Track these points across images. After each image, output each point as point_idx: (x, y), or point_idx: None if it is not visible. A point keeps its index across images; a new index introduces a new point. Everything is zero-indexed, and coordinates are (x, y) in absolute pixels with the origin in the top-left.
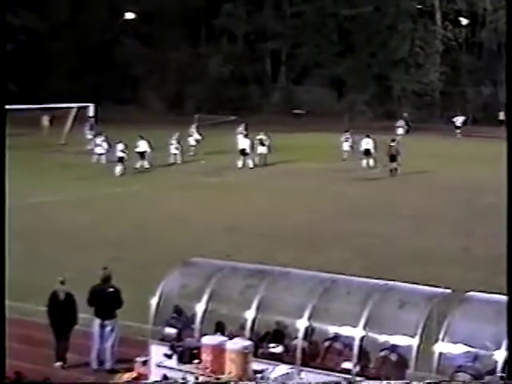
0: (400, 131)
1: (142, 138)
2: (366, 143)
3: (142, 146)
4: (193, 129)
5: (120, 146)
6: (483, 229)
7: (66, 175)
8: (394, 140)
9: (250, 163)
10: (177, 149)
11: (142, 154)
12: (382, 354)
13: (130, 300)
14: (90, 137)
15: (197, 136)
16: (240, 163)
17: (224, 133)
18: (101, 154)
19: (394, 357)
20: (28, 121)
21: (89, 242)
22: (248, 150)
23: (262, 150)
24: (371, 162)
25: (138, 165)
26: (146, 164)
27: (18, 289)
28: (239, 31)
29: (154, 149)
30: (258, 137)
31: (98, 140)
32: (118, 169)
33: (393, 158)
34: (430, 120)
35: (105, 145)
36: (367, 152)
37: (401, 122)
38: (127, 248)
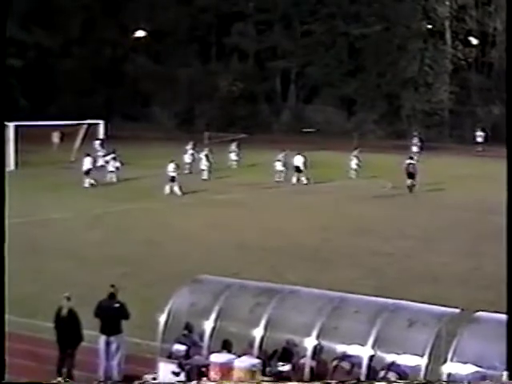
0: (415, 149)
1: (89, 155)
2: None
3: (87, 163)
4: (188, 146)
5: (171, 166)
6: (494, 248)
7: (75, 192)
8: (412, 158)
9: (304, 180)
10: (205, 165)
11: (87, 172)
12: (382, 373)
13: (138, 317)
14: (101, 154)
15: (192, 151)
16: (294, 179)
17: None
18: (112, 172)
19: (393, 376)
20: (39, 137)
21: (99, 258)
22: (302, 167)
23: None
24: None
25: (87, 183)
26: (91, 181)
27: (28, 305)
28: (250, 49)
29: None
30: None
31: (109, 158)
32: (168, 188)
33: (411, 176)
34: (439, 139)
35: (115, 163)
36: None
37: (415, 140)
38: (137, 265)
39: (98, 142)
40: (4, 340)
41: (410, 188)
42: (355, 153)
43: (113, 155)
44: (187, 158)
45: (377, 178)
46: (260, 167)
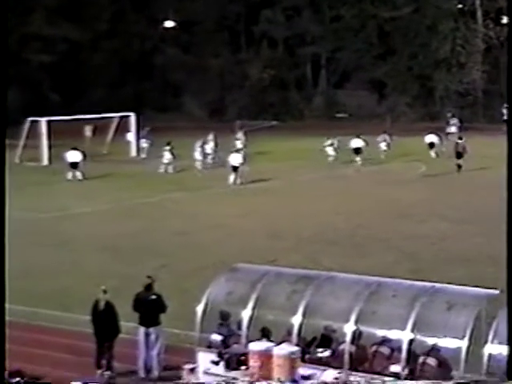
0: (453, 129)
1: (75, 148)
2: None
3: (75, 156)
4: (209, 137)
5: (235, 156)
6: None
7: (109, 185)
8: (460, 138)
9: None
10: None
11: (74, 165)
12: (422, 358)
13: (176, 308)
14: (145, 145)
15: (212, 145)
16: (358, 160)
17: (266, 138)
18: (168, 164)
19: (433, 362)
20: (71, 131)
21: (134, 250)
22: (362, 150)
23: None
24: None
25: (69, 176)
26: (78, 175)
27: (65, 298)
28: (279, 36)
29: (85, 159)
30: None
31: (165, 149)
32: (232, 178)
33: (459, 155)
34: (473, 119)
35: (169, 155)
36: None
37: (454, 121)
38: (172, 256)
39: (143, 133)
40: (4, 337)
41: (459, 167)
42: (384, 136)
43: (168, 147)
44: (209, 149)
45: (411, 160)
46: (292, 154)
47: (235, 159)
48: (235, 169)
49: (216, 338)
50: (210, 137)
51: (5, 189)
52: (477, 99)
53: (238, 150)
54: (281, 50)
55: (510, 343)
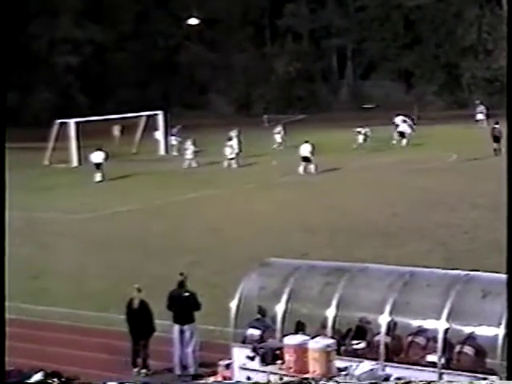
0: (480, 117)
1: (100, 149)
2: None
3: (98, 157)
4: (232, 133)
5: (306, 146)
6: None
7: (139, 184)
8: (497, 122)
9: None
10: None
11: (98, 165)
12: (458, 347)
13: (210, 304)
14: (174, 143)
15: (236, 141)
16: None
17: (295, 132)
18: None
19: (470, 350)
20: (99, 132)
21: (166, 248)
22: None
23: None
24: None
25: (97, 177)
26: (98, 177)
27: (100, 299)
28: (303, 29)
29: (107, 159)
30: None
31: (187, 145)
32: (302, 168)
33: (496, 139)
34: (502, 106)
35: (192, 148)
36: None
37: (480, 108)
38: (204, 252)
39: (174, 131)
40: (4, 336)
41: (496, 151)
42: (405, 118)
43: (230, 142)
44: (234, 144)
45: (440, 149)
46: (321, 147)
47: (305, 150)
48: (305, 159)
49: (252, 332)
50: (234, 133)
51: (5, 189)
52: (505, 85)
53: (306, 141)
54: (306, 42)
55: (510, 343)
